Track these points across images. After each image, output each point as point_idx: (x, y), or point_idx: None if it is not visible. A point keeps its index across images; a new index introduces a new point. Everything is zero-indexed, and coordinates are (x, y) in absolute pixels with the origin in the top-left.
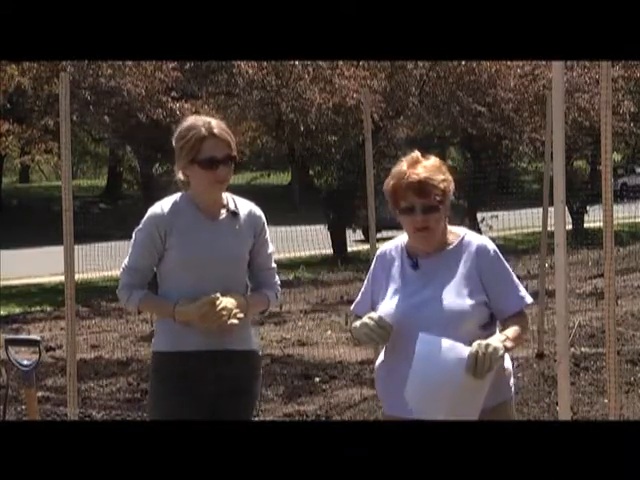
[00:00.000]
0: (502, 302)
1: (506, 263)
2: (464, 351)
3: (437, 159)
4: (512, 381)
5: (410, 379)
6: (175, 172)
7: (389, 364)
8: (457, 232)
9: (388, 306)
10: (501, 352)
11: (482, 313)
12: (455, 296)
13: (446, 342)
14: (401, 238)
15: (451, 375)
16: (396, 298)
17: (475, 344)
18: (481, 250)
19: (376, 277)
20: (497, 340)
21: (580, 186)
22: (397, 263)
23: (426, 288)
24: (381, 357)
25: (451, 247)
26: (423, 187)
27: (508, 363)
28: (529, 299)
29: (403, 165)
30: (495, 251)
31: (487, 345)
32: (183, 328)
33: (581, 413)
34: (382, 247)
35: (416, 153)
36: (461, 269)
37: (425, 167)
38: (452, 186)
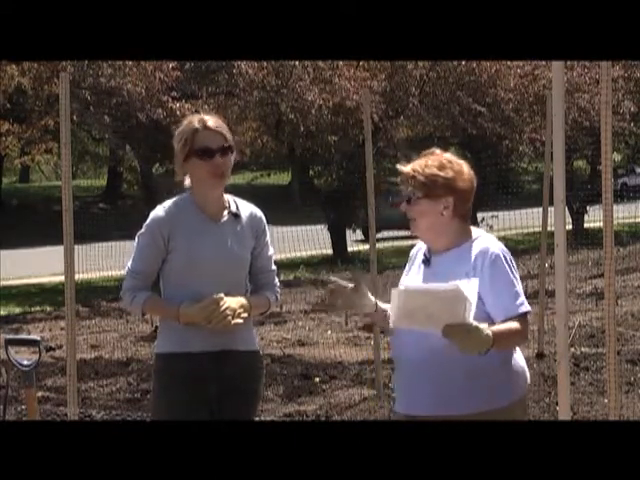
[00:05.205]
0: (495, 306)
1: (509, 269)
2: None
3: (448, 156)
4: (519, 385)
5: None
6: (176, 173)
7: (395, 360)
8: (474, 233)
9: None
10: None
11: (479, 315)
12: None
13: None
14: None
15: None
16: None
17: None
18: (482, 252)
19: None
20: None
21: (580, 186)
22: (418, 260)
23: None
24: None
25: (460, 247)
26: (407, 177)
27: (522, 362)
28: (526, 308)
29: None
30: (497, 255)
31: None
32: (187, 329)
33: (581, 413)
34: (417, 245)
35: (432, 149)
36: (463, 269)
37: (427, 160)
38: (460, 184)
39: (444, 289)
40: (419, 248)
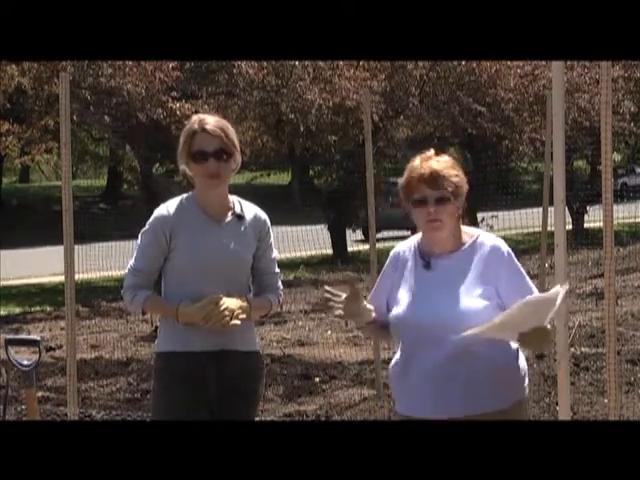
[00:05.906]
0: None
1: (520, 265)
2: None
3: (451, 158)
4: (527, 382)
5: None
6: (177, 173)
7: (404, 365)
8: (471, 233)
9: (401, 307)
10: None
11: (495, 314)
12: (468, 297)
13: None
14: (415, 238)
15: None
16: (409, 299)
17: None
18: (494, 251)
19: (386, 275)
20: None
21: (580, 186)
22: (410, 264)
23: (439, 289)
24: (396, 356)
25: (464, 248)
26: (435, 178)
27: (523, 363)
28: None
29: (416, 160)
30: (509, 253)
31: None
32: (187, 329)
33: (581, 413)
34: (396, 247)
35: (431, 151)
36: (474, 270)
37: (438, 162)
38: (466, 186)
39: (547, 297)
40: (403, 251)
